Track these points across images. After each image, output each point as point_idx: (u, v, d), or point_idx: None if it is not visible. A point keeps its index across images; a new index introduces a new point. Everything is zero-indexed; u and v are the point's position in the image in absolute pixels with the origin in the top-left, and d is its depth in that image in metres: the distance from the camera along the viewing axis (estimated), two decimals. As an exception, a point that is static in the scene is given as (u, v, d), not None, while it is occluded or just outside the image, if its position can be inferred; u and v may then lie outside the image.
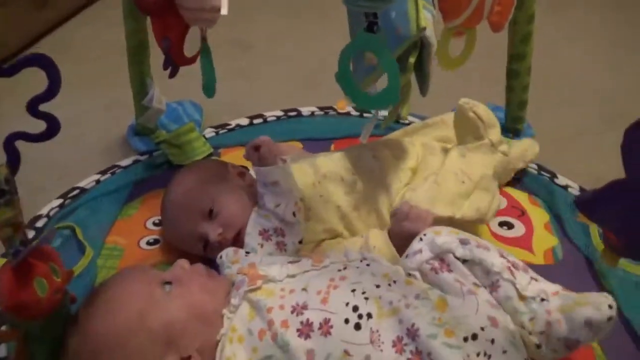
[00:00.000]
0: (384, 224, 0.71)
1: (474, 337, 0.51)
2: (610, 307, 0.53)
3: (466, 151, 0.75)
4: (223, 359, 0.53)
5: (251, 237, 0.68)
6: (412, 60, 0.66)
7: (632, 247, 0.44)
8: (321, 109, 1.09)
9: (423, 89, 0.74)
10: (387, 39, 0.65)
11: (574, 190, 0.87)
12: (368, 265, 0.60)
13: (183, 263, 0.60)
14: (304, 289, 0.56)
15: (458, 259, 0.57)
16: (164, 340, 0.53)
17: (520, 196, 0.86)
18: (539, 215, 0.83)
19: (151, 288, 0.56)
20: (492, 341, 0.51)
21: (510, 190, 0.87)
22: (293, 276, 0.59)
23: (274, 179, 0.69)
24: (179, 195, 0.72)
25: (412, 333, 0.51)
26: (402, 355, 0.51)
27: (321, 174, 0.73)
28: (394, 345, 0.51)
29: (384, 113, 0.90)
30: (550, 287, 0.57)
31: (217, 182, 0.73)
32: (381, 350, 0.51)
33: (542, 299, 0.55)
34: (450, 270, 0.57)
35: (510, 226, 0.81)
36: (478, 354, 0.50)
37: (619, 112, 1.12)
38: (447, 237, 0.58)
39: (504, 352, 0.51)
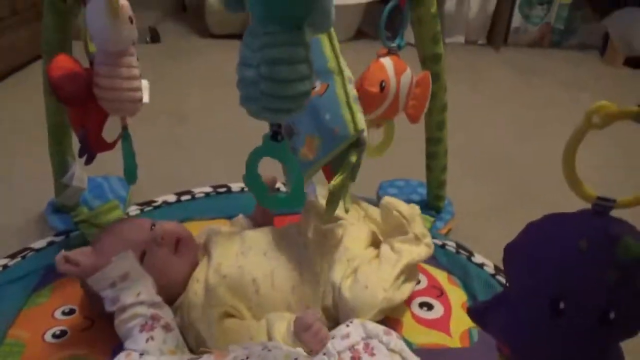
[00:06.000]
0: (299, 301, 0.72)
1: None
2: None
3: (395, 243, 0.78)
4: None
5: (134, 340, 0.62)
6: (353, 159, 0.69)
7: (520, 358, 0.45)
8: (251, 184, 1.09)
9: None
10: (325, 138, 0.69)
11: (489, 269, 0.90)
12: (269, 351, 0.61)
13: None
14: None
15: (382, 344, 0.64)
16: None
17: (440, 275, 0.89)
18: (456, 295, 0.85)
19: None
20: None
21: (430, 269, 0.89)
22: None
23: (123, 271, 0.65)
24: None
25: None
26: None
27: (247, 245, 0.76)
28: None
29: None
30: None
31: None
32: None
33: None
34: (372, 354, 0.62)
35: (430, 307, 0.82)
36: None
37: (526, 186, 1.20)
38: (374, 324, 0.66)
39: None
